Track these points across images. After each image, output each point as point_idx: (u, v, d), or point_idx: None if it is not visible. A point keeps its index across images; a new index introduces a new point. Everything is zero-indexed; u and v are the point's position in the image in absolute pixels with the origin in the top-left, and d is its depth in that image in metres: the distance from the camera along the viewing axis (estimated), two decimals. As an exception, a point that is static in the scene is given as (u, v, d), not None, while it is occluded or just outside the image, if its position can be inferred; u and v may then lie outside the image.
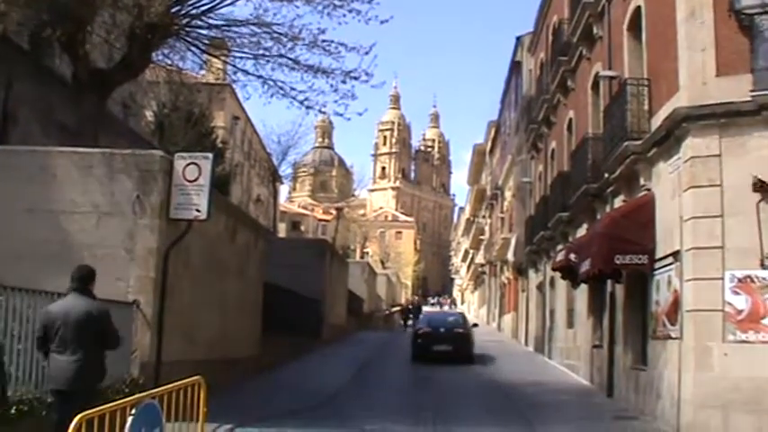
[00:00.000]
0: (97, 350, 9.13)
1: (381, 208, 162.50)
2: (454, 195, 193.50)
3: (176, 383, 9.29)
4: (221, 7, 18.17)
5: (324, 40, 18.10)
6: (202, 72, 28.11)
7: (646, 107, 16.58)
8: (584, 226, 23.28)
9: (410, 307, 62.09)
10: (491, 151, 66.87)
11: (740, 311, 13.07)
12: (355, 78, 18.44)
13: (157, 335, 13.69)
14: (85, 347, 8.87)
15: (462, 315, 37.45)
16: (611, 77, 19.64)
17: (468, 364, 27.77)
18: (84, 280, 9.27)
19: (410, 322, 53.39)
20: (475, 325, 37.41)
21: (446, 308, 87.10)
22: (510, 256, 45.76)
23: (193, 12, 17.94)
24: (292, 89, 18.83)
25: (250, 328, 20.43)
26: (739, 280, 13.11)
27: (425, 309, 63.08)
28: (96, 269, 9.73)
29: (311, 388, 19.79)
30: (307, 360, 27.16)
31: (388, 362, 29.79)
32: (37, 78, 17.47)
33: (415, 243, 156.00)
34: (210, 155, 14.96)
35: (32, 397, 9.91)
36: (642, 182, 16.80)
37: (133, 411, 7.58)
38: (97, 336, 9.08)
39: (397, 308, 74.23)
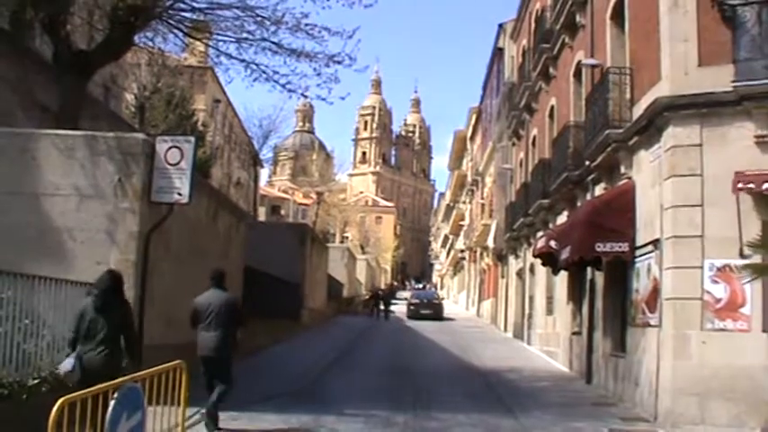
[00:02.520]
0: (231, 327, 12.05)
1: (361, 193, 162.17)
2: (434, 181, 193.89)
3: (158, 367, 9.28)
4: (204, -10, 18.07)
5: (307, 24, 18.06)
6: (184, 55, 28.00)
7: (627, 96, 16.67)
8: (565, 213, 23.40)
9: (380, 293, 57.27)
10: (472, 137, 66.95)
11: (719, 300, 13.20)
12: (338, 62, 18.42)
13: (138, 318, 13.60)
14: (224, 326, 11.91)
15: (436, 293, 69.88)
16: (594, 66, 19.68)
17: (449, 351, 28.33)
18: (219, 279, 12.46)
19: (385, 308, 52.71)
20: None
21: (430, 288, 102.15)
22: (490, 243, 45.94)
23: (176, -6, 17.82)
24: (275, 73, 18.78)
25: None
26: (718, 269, 13.23)
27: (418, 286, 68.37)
28: (76, 252, 10.11)
29: (292, 372, 19.82)
30: (287, 344, 27.15)
31: (368, 347, 29.87)
32: (18, 59, 17.29)
33: (395, 228, 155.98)
34: (193, 138, 14.88)
35: (13, 380, 9.85)
36: (623, 170, 16.89)
37: (115, 395, 7.58)
38: (232, 317, 12.08)
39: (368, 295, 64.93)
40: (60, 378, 9.89)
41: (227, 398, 11.94)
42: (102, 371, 9.07)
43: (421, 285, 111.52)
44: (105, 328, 9.53)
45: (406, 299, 62.05)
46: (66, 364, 9.47)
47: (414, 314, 50.07)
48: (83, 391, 7.39)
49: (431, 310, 50.48)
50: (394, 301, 69.60)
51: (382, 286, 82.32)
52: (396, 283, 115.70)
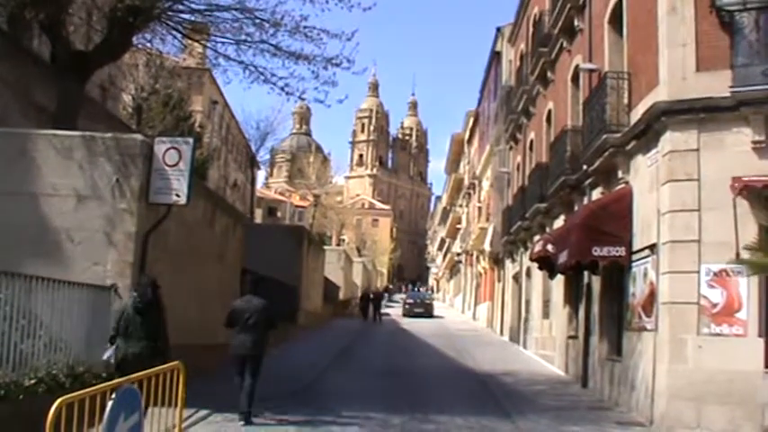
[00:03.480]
0: (265, 330, 13.46)
1: (358, 195, 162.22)
2: (431, 184, 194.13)
3: (155, 369, 9.29)
4: (203, -8, 18.09)
5: (306, 27, 18.06)
6: (182, 56, 27.97)
7: (625, 100, 16.70)
8: (562, 217, 23.42)
9: (371, 296, 55.05)
10: (469, 141, 66.97)
11: (715, 305, 13.23)
12: (337, 65, 18.43)
13: (135, 319, 13.62)
14: (261, 328, 13.27)
15: (428, 295, 77.54)
16: (591, 70, 19.70)
17: (445, 354, 28.44)
18: (256, 284, 13.96)
19: (375, 310, 51.37)
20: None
21: (424, 291, 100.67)
22: (486, 246, 45.92)
23: (175, -4, 17.83)
24: (273, 75, 18.80)
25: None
26: (715, 274, 13.26)
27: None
28: (74, 253, 10.35)
29: (288, 374, 19.78)
30: (283, 347, 27.09)
31: (364, 349, 29.86)
32: (16, 59, 17.26)
33: (392, 231, 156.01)
34: (191, 139, 14.88)
35: (9, 381, 9.84)
36: (620, 175, 16.92)
37: (113, 396, 7.57)
38: (267, 321, 13.45)
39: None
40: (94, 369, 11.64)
41: (256, 389, 13.25)
42: (137, 363, 10.32)
43: (416, 288, 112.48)
44: (142, 326, 11.19)
45: (402, 299, 70.15)
46: (106, 354, 11.22)
47: (408, 312, 58.47)
48: (80, 392, 7.39)
49: (423, 308, 59.11)
50: (389, 304, 69.74)
51: (379, 288, 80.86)
52: (391, 286, 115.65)
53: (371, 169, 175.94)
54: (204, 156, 41.78)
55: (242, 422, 12.73)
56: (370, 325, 46.91)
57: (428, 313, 58.25)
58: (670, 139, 13.98)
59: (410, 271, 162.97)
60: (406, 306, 60.53)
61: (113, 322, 11.43)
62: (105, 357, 11.32)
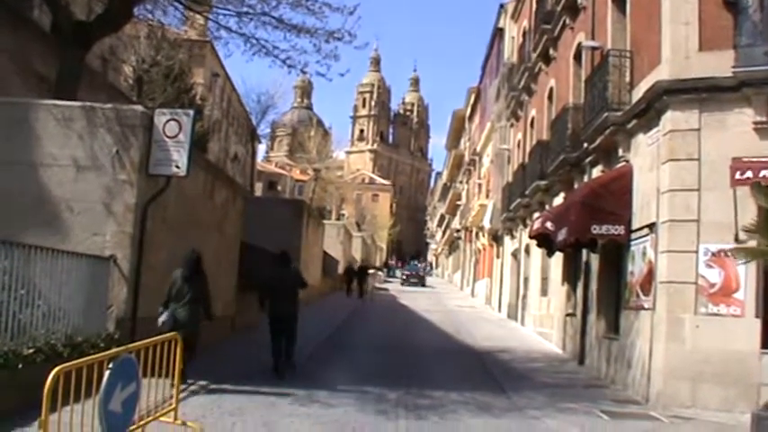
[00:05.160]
0: (297, 294, 16.09)
1: (358, 170, 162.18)
2: (432, 160, 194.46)
3: (152, 339, 9.33)
4: (205, -37, 18.00)
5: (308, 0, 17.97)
6: (184, 28, 27.84)
7: (627, 79, 16.66)
8: (562, 195, 23.43)
9: (354, 269, 53.69)
10: (470, 117, 66.87)
11: (713, 285, 13.27)
12: (338, 39, 18.34)
13: (134, 290, 13.65)
14: (295, 293, 15.99)
15: (421, 268, 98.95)
16: (594, 48, 19.66)
17: (443, 330, 28.62)
18: (286, 257, 16.45)
19: (360, 286, 48.94)
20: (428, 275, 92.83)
21: (419, 265, 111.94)
22: (486, 223, 45.93)
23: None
24: (275, 48, 18.70)
25: (226, 287, 20.42)
26: (713, 254, 13.30)
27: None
28: (73, 223, 10.62)
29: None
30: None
31: (363, 324, 29.92)
32: (16, 29, 17.18)
33: (392, 206, 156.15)
34: (191, 111, 14.79)
35: (8, 350, 9.87)
36: (621, 153, 16.91)
37: (110, 365, 7.61)
38: (297, 286, 16.11)
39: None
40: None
41: (292, 350, 15.83)
42: (187, 323, 12.89)
43: (414, 263, 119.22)
44: (190, 292, 13.19)
45: (401, 273, 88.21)
46: (162, 318, 12.96)
47: (406, 281, 75.73)
48: (78, 361, 7.44)
49: (417, 279, 76.63)
50: (388, 279, 70.26)
51: (367, 261, 77.37)
52: (391, 261, 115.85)
53: (372, 144, 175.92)
54: (205, 128, 41.70)
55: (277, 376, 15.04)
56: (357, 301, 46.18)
57: (421, 283, 75.00)
58: (671, 119, 13.96)
59: (409, 246, 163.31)
60: (404, 277, 79.06)
61: (166, 290, 13.25)
62: (161, 321, 12.92)
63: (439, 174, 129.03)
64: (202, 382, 13.27)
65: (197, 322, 13.33)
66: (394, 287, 60.94)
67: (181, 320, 12.91)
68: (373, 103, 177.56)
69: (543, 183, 25.74)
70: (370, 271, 56.07)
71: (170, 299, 13.19)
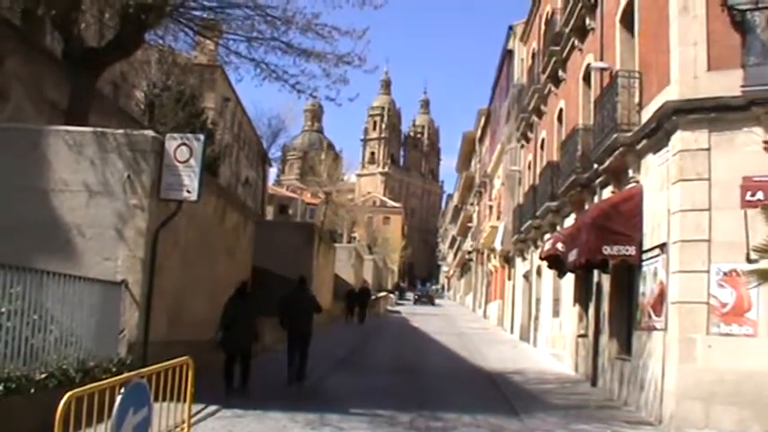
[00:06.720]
0: (312, 316, 18.17)
1: (369, 193, 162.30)
2: (443, 182, 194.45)
3: (164, 363, 9.34)
4: (215, -12, 18.10)
5: (317, 24, 18.01)
6: (194, 53, 28.00)
7: (636, 99, 16.66)
8: (573, 216, 23.40)
9: (356, 291, 51.00)
10: (481, 139, 66.92)
11: (725, 304, 13.20)
12: (348, 63, 18.37)
13: (146, 315, 13.68)
14: (310, 314, 18.09)
15: (431, 289, 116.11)
16: (603, 69, 19.68)
17: (455, 352, 28.56)
18: (303, 281, 18.83)
19: (360, 309, 47.10)
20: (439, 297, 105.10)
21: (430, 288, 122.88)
22: (497, 245, 45.84)
23: (187, -8, 17.85)
24: (285, 72, 18.72)
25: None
26: (725, 273, 13.24)
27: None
28: (85, 248, 10.61)
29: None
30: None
31: (374, 347, 29.88)
32: (28, 55, 17.33)
33: (403, 229, 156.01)
34: (202, 136, 14.87)
35: (21, 374, 9.89)
36: (631, 174, 16.90)
37: (122, 390, 7.62)
38: (312, 309, 18.26)
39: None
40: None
41: (306, 363, 17.88)
42: (243, 343, 15.56)
43: (424, 285, 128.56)
44: (244, 314, 15.58)
45: (412, 294, 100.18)
46: (220, 336, 15.51)
47: (417, 301, 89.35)
48: (90, 386, 7.45)
49: (426, 298, 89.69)
50: (400, 302, 70.35)
51: (367, 283, 73.80)
52: (403, 284, 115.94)
53: (383, 167, 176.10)
54: (216, 153, 41.81)
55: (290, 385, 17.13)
56: (383, 322, 45.97)
57: (431, 302, 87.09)
58: (681, 139, 13.96)
59: (421, 268, 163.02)
60: (416, 297, 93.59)
61: (222, 313, 15.76)
62: (219, 339, 15.51)
63: (450, 196, 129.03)
64: (214, 406, 13.26)
65: (250, 342, 15.77)
66: (406, 309, 60.70)
67: (234, 341, 15.36)
68: (384, 126, 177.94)
69: (554, 204, 25.74)
70: (381, 294, 55.47)
71: (225, 321, 15.60)
